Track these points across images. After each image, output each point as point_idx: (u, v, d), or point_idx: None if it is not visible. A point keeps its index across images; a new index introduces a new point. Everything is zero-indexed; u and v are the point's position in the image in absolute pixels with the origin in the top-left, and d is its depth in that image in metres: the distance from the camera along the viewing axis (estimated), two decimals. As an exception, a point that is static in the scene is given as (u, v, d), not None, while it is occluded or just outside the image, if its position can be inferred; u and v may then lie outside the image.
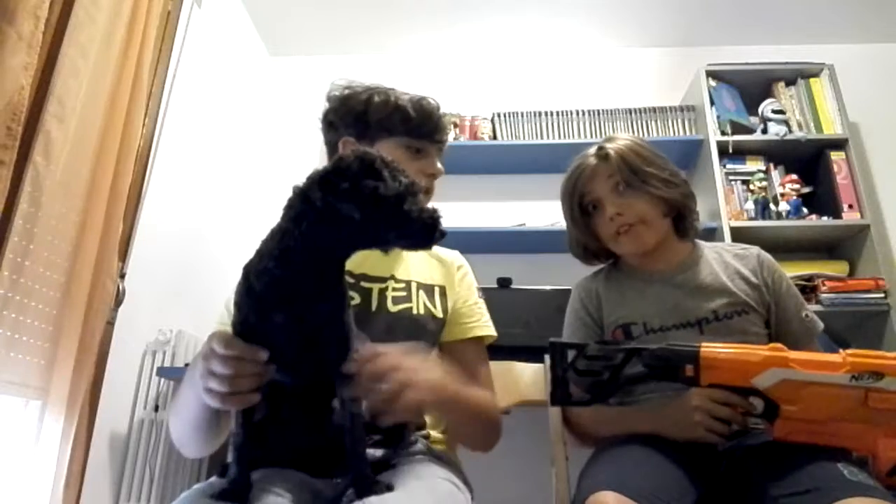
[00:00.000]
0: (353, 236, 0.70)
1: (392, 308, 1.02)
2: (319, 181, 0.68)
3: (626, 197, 1.16)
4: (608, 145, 1.20)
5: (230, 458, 0.75)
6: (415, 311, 1.04)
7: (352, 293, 0.97)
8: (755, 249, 1.20)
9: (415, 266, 1.10)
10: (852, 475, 0.78)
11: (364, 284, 1.03)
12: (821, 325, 1.15)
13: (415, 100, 1.09)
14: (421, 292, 1.06)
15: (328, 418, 0.76)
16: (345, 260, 0.75)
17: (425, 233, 0.70)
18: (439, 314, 1.07)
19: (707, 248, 1.24)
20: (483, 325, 1.11)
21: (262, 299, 0.72)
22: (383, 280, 1.04)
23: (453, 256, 1.18)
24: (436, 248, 1.13)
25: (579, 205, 1.22)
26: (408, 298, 1.04)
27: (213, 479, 0.81)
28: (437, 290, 1.09)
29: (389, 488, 0.71)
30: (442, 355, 1.07)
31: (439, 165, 1.11)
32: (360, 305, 1.00)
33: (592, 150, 1.22)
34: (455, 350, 1.08)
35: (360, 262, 1.01)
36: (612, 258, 1.29)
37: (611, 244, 1.22)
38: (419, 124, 1.06)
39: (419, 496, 0.76)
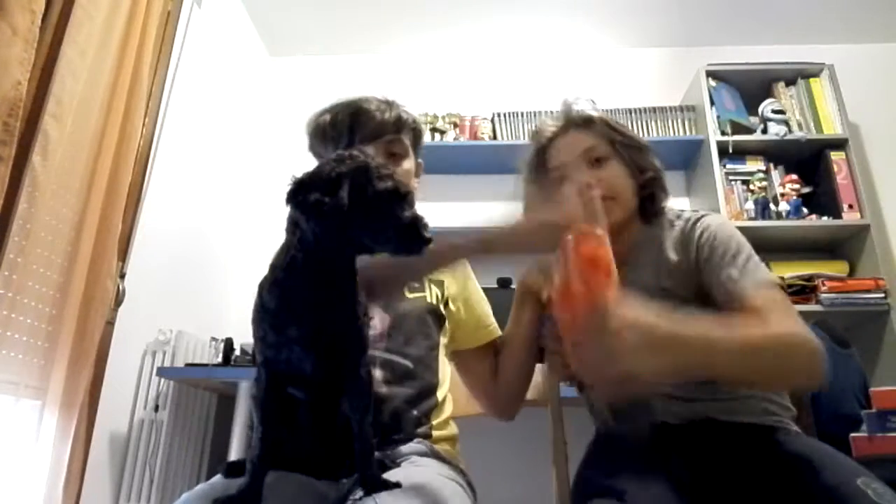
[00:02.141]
0: (337, 242, 0.69)
1: (409, 295, 1.06)
2: (294, 189, 0.68)
3: (601, 167, 1.02)
4: (579, 110, 1.06)
5: (232, 457, 0.74)
6: (428, 300, 1.08)
7: None
8: (702, 223, 0.98)
9: None
10: (878, 497, 0.71)
11: None
12: (754, 280, 0.87)
13: (333, 112, 1.07)
14: (433, 286, 1.10)
15: (336, 421, 0.76)
16: (353, 265, 0.75)
17: (404, 240, 0.67)
18: (442, 310, 1.10)
19: (656, 226, 1.04)
20: (496, 328, 1.18)
21: (276, 314, 0.72)
22: None
23: None
24: None
25: (546, 178, 1.06)
26: (420, 289, 1.08)
27: (216, 479, 0.81)
28: (440, 285, 1.12)
29: (398, 486, 0.71)
30: (461, 362, 1.14)
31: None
32: None
33: (558, 116, 1.08)
34: (479, 355, 1.14)
35: None
36: None
37: None
38: (338, 135, 1.04)
39: (428, 493, 0.77)
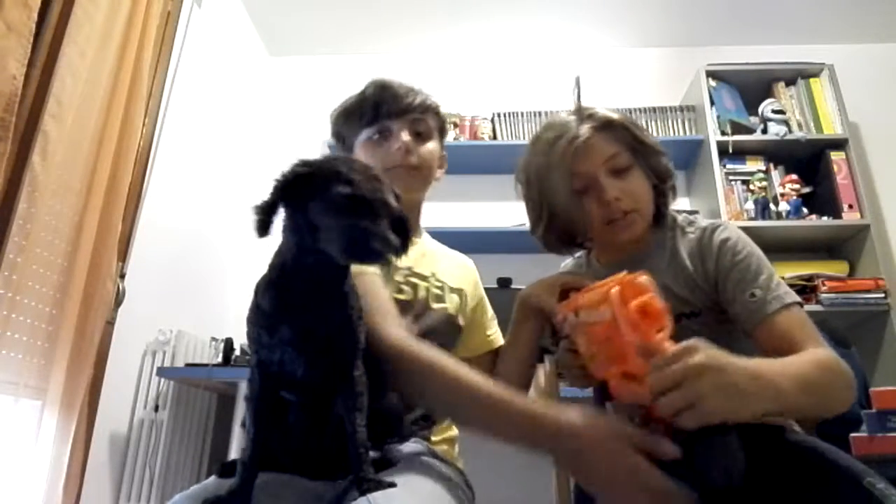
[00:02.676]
0: (307, 246, 0.70)
1: (434, 305, 1.05)
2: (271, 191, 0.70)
3: (624, 178, 0.97)
4: (598, 112, 1.00)
5: (232, 457, 0.74)
6: (450, 311, 1.07)
7: (403, 287, 1.01)
8: (719, 234, 0.97)
9: (446, 267, 1.12)
10: (884, 496, 0.71)
11: (412, 279, 1.04)
12: (781, 301, 0.88)
13: (359, 92, 1.10)
14: (453, 295, 1.09)
15: (330, 422, 0.76)
16: (343, 267, 0.74)
17: (350, 248, 0.65)
18: (460, 321, 1.09)
19: (667, 230, 1.04)
20: (498, 336, 1.19)
21: (269, 314, 0.72)
22: (425, 278, 1.06)
23: (472, 264, 1.22)
24: (453, 252, 1.20)
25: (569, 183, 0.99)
26: (443, 298, 1.07)
27: (210, 479, 0.81)
28: (459, 293, 1.11)
29: (392, 485, 0.71)
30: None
31: (404, 137, 1.04)
32: (411, 299, 1.02)
33: (576, 117, 1.00)
34: (479, 363, 1.12)
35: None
36: (580, 246, 1.13)
37: (598, 233, 1.02)
38: (363, 112, 1.07)
39: (422, 493, 0.77)
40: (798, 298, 0.90)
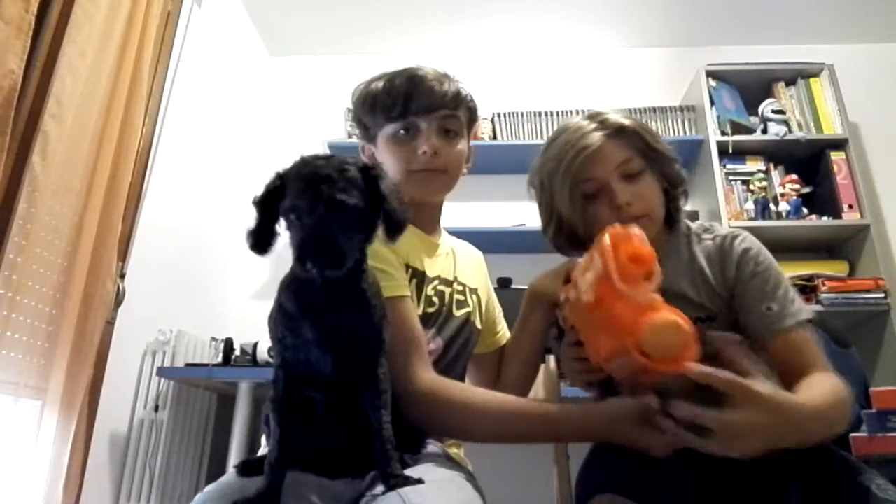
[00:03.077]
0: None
1: (457, 312, 1.02)
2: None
3: (635, 183, 0.98)
4: (611, 117, 1.00)
5: (232, 457, 0.74)
6: (472, 317, 1.05)
7: (433, 299, 0.99)
8: (741, 243, 0.98)
9: (463, 264, 1.10)
10: (881, 492, 0.74)
11: (440, 287, 1.01)
12: (795, 318, 0.90)
13: (388, 79, 1.03)
14: (472, 297, 1.07)
15: (354, 420, 0.76)
16: (359, 266, 0.74)
17: (300, 255, 0.67)
18: (478, 324, 1.08)
19: (681, 235, 1.03)
20: (506, 332, 1.18)
21: (293, 315, 0.73)
22: (450, 283, 1.04)
23: (479, 254, 1.20)
24: (464, 245, 1.17)
25: (578, 189, 1.00)
26: (466, 303, 1.05)
27: (230, 477, 0.80)
28: (476, 293, 1.10)
29: (420, 482, 0.71)
30: (470, 365, 1.12)
31: (432, 140, 0.98)
32: (438, 308, 0.99)
33: (590, 122, 1.00)
34: (487, 359, 1.14)
35: (433, 263, 1.02)
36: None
37: None
38: (392, 105, 1.00)
39: (449, 491, 0.76)
40: (810, 315, 0.93)
